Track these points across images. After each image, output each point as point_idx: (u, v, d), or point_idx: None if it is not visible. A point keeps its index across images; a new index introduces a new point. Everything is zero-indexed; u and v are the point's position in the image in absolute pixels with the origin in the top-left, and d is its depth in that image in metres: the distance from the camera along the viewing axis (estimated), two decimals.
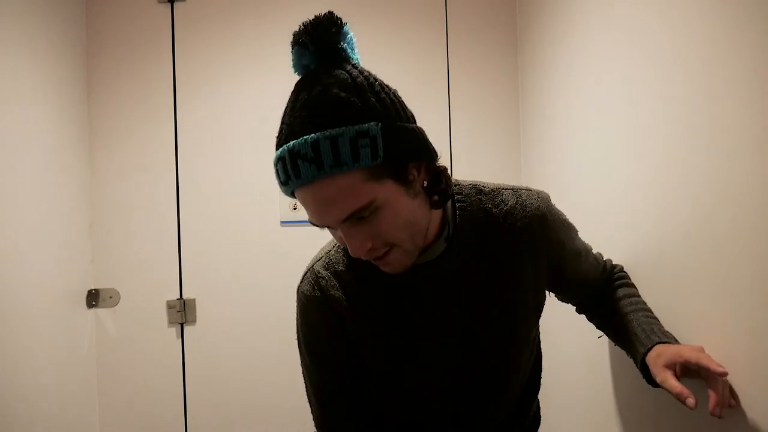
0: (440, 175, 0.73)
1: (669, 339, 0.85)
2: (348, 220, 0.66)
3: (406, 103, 0.74)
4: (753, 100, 0.74)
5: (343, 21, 0.71)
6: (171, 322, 1.75)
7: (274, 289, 1.76)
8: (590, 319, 1.05)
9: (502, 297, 0.82)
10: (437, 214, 0.78)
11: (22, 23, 1.40)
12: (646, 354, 0.84)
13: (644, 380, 0.86)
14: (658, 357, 0.81)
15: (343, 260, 0.82)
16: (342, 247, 0.83)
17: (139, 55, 1.76)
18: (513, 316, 0.84)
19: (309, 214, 0.69)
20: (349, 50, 0.72)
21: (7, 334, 1.26)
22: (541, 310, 0.90)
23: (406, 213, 0.69)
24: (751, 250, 0.75)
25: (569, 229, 0.91)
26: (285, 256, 1.77)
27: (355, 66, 0.70)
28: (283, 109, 0.70)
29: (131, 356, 1.73)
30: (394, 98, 0.70)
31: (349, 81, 0.66)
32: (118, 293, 1.74)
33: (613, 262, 1.07)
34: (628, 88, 1.10)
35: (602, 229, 1.25)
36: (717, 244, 0.82)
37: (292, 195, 0.69)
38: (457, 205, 0.81)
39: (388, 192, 0.66)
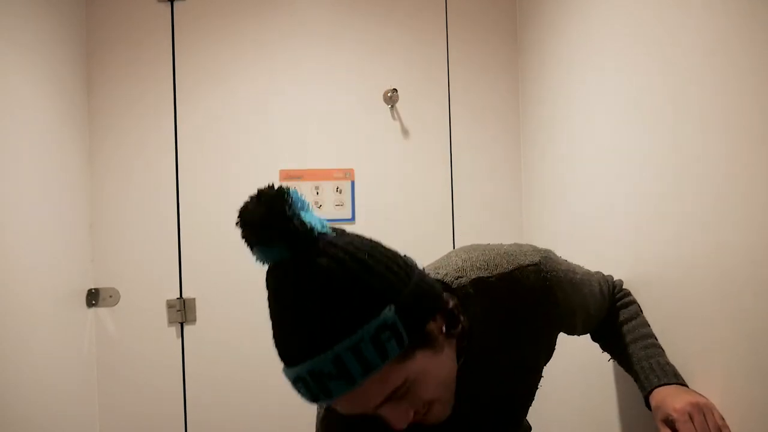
0: (455, 316, 0.69)
1: (668, 377, 0.87)
2: (385, 404, 0.62)
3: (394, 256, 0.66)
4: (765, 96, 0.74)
5: (286, 187, 0.60)
6: (171, 322, 1.75)
7: None
8: (594, 341, 1.07)
9: (521, 375, 0.84)
10: None
11: (22, 22, 1.40)
12: (647, 397, 0.87)
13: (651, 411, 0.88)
14: (656, 409, 0.84)
15: None
16: None
17: (138, 54, 1.76)
18: (531, 384, 0.87)
19: (342, 409, 0.63)
20: (315, 221, 0.62)
21: (7, 333, 1.26)
22: (551, 356, 0.92)
23: (441, 373, 0.66)
24: (756, 256, 0.75)
25: (578, 290, 0.89)
26: None
27: (334, 245, 0.60)
28: (268, 306, 0.62)
29: (131, 355, 1.73)
30: (391, 264, 0.63)
31: (339, 271, 0.58)
32: (118, 292, 1.74)
33: (614, 277, 1.07)
34: (630, 86, 1.10)
35: (603, 231, 1.25)
36: (722, 250, 0.82)
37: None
38: (468, 309, 0.76)
39: (419, 364, 0.62)
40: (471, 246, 0.87)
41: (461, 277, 0.78)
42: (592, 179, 1.29)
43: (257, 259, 0.63)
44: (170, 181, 1.76)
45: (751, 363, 0.76)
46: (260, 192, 0.61)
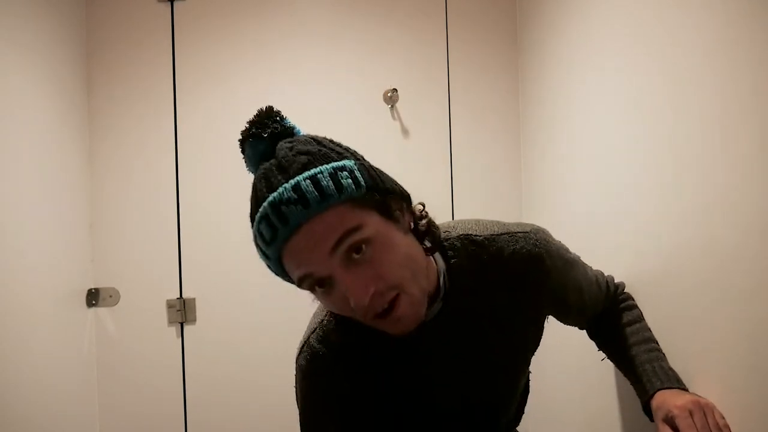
0: (425, 219, 0.73)
1: (671, 381, 0.86)
2: (340, 253, 0.62)
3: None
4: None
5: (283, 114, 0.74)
6: (171, 322, 1.75)
7: (274, 288, 1.75)
8: (591, 338, 1.06)
9: (504, 346, 0.82)
10: (432, 267, 0.75)
11: (22, 22, 1.40)
12: (648, 400, 0.86)
13: (647, 417, 0.88)
14: (657, 409, 0.83)
15: (339, 330, 0.78)
16: (335, 318, 0.79)
17: (138, 54, 1.76)
18: (514, 359, 0.86)
19: (299, 270, 0.64)
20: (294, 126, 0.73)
21: (7, 333, 1.26)
22: (540, 341, 0.90)
23: (401, 248, 0.67)
24: (756, 256, 0.75)
25: (570, 266, 0.88)
26: None
27: (308, 134, 0.73)
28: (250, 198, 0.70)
29: (131, 355, 1.73)
30: (354, 152, 0.73)
31: (311, 139, 0.69)
32: (118, 292, 1.74)
33: (615, 278, 1.06)
34: (630, 86, 1.10)
35: (603, 231, 1.25)
36: (722, 251, 0.82)
37: (279, 265, 0.66)
38: (451, 261, 0.77)
39: (377, 225, 0.64)
40: (468, 219, 0.88)
41: (449, 232, 0.80)
42: (592, 179, 1.29)
43: (247, 157, 0.75)
44: (170, 181, 1.76)
45: (751, 363, 0.76)
46: (266, 107, 0.75)
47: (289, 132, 0.72)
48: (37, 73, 1.46)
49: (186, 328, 1.76)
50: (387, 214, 0.67)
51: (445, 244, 0.79)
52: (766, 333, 0.72)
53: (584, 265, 0.95)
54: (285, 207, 0.61)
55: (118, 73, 1.75)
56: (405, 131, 1.84)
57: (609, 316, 1.01)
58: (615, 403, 1.18)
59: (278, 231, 0.62)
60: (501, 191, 1.87)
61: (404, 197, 0.73)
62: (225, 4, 1.79)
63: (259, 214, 0.64)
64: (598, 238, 1.25)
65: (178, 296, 1.76)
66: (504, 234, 0.81)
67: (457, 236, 0.80)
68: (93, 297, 1.71)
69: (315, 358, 0.78)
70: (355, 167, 0.65)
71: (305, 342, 0.81)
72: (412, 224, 0.72)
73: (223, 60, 1.78)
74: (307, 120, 1.82)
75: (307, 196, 0.60)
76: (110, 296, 1.73)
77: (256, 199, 0.66)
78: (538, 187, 1.71)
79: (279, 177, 0.64)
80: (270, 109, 0.74)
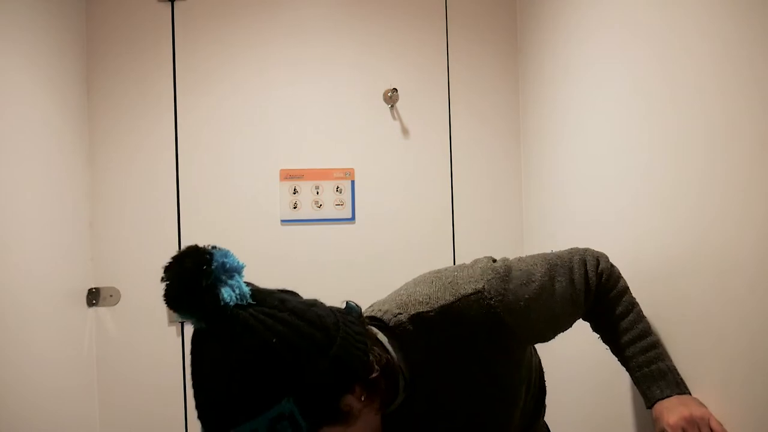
0: (378, 382, 0.67)
1: (670, 388, 0.86)
2: None
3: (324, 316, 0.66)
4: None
5: (209, 252, 0.61)
6: (171, 321, 1.75)
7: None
8: (585, 319, 1.03)
9: (481, 406, 0.80)
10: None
11: (22, 22, 1.40)
12: (650, 407, 0.87)
13: None
14: (655, 421, 0.84)
15: None
16: None
17: (139, 54, 1.76)
18: (499, 409, 0.83)
19: None
20: (229, 291, 0.61)
21: (7, 332, 1.26)
22: (532, 366, 0.89)
23: None
24: (756, 256, 0.75)
25: (536, 300, 0.82)
26: (285, 255, 1.77)
27: (243, 321, 0.60)
28: (191, 366, 0.64)
29: (131, 355, 1.73)
30: (298, 341, 0.62)
31: (244, 353, 0.59)
32: (119, 292, 1.74)
33: (595, 253, 0.97)
34: (630, 86, 1.10)
35: (603, 231, 1.25)
36: (722, 249, 0.82)
37: None
38: (405, 348, 0.75)
39: None
40: (427, 275, 0.84)
41: (401, 314, 0.77)
42: (592, 178, 1.29)
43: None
44: (170, 180, 1.76)
45: (752, 361, 0.76)
46: (180, 257, 0.61)
47: (220, 310, 0.60)
48: (37, 73, 1.46)
49: (186, 327, 1.76)
50: (336, 421, 0.63)
51: (398, 331, 0.76)
52: (767, 333, 0.73)
53: (554, 277, 0.87)
54: None
55: (118, 72, 1.75)
56: (405, 131, 1.84)
57: (600, 314, 0.95)
58: (621, 399, 1.18)
59: None
60: (501, 191, 1.87)
61: (356, 379, 0.65)
62: (225, 3, 1.79)
63: None
64: (598, 238, 1.25)
65: None
66: (456, 301, 0.77)
67: (408, 319, 0.76)
68: (93, 296, 1.71)
69: None
70: (295, 410, 0.59)
71: None
72: (363, 397, 0.66)
73: (223, 60, 1.79)
74: (308, 120, 1.83)
75: None
76: (110, 296, 1.73)
77: (197, 410, 0.63)
78: (538, 187, 1.71)
79: (212, 419, 0.60)
80: (190, 268, 0.60)
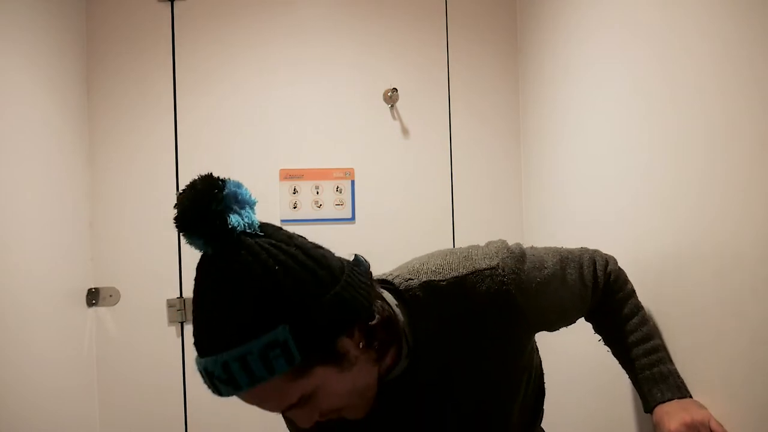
0: (380, 333, 0.66)
1: (671, 391, 0.86)
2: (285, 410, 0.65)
3: (329, 260, 0.66)
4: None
5: (222, 181, 0.61)
6: (171, 321, 1.75)
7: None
8: (587, 320, 1.04)
9: (486, 389, 0.80)
10: (384, 362, 0.71)
11: (22, 22, 1.40)
12: (650, 411, 0.87)
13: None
14: (656, 425, 0.84)
15: None
16: None
17: (139, 54, 1.76)
18: (499, 395, 0.82)
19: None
20: (237, 219, 0.62)
21: (7, 332, 1.26)
22: (533, 359, 0.88)
23: (345, 387, 0.65)
24: (756, 256, 0.75)
25: (547, 286, 0.82)
26: None
27: (249, 248, 0.61)
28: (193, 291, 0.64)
29: (131, 355, 1.73)
30: (301, 273, 0.61)
31: (246, 276, 0.59)
32: (118, 292, 1.74)
33: (605, 255, 0.98)
34: (630, 85, 1.10)
35: (603, 230, 1.25)
36: (721, 248, 0.82)
37: None
38: (413, 314, 0.74)
39: (319, 379, 0.62)
40: (441, 250, 0.83)
41: (412, 280, 0.76)
42: (592, 178, 1.29)
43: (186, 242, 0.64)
44: (170, 180, 1.76)
45: (752, 360, 0.76)
46: (193, 182, 0.62)
47: (227, 233, 0.60)
48: (37, 73, 1.46)
49: (186, 327, 1.76)
50: (331, 361, 0.62)
51: (407, 296, 0.75)
52: (767, 331, 0.73)
53: (565, 268, 0.87)
54: (217, 381, 0.60)
55: (118, 72, 1.75)
56: (405, 131, 1.84)
57: (605, 314, 0.96)
58: (622, 401, 1.18)
59: (216, 392, 0.62)
60: (501, 191, 1.87)
61: (357, 319, 0.64)
62: (225, 3, 1.79)
63: (196, 366, 0.63)
64: (598, 238, 1.25)
65: (179, 295, 1.76)
66: (469, 274, 0.75)
67: (419, 285, 0.75)
68: (93, 296, 1.71)
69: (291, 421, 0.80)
70: (289, 338, 0.58)
71: None
72: (362, 344, 0.65)
73: (223, 60, 1.79)
74: (308, 120, 1.83)
75: (237, 380, 0.58)
76: (110, 296, 1.73)
77: (194, 331, 0.63)
78: (538, 187, 1.71)
79: (211, 339, 0.60)
80: (202, 191, 0.61)
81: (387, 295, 0.74)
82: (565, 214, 1.48)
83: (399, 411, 0.77)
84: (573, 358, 1.39)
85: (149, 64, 1.76)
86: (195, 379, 1.87)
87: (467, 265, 0.77)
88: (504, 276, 0.76)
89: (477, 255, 0.79)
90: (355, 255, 0.72)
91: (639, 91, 1.05)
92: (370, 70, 1.82)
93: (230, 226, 0.60)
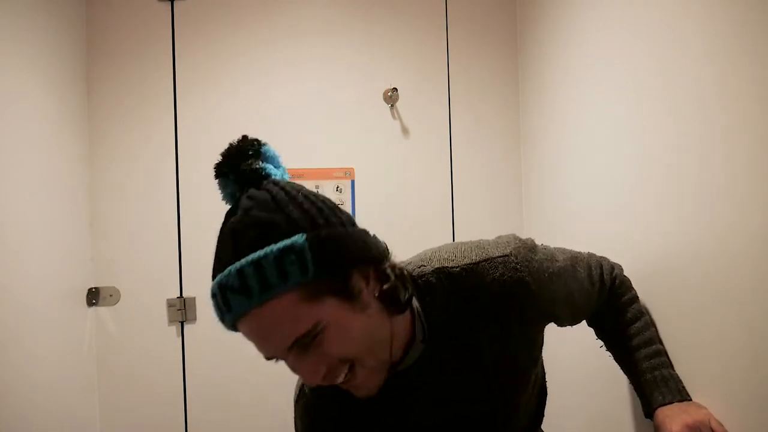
0: (393, 280, 0.67)
1: (672, 394, 0.87)
2: (293, 349, 0.62)
3: (340, 208, 0.69)
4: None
5: (261, 141, 0.69)
6: (171, 321, 1.75)
7: None
8: (589, 325, 1.04)
9: (497, 377, 0.80)
10: (404, 318, 0.72)
11: (22, 22, 1.40)
12: (651, 414, 0.87)
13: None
14: (656, 428, 0.84)
15: None
16: None
17: (139, 54, 1.76)
18: (511, 386, 0.83)
19: (255, 346, 0.65)
20: (271, 168, 0.69)
21: (7, 332, 1.26)
22: (539, 355, 0.88)
23: (357, 330, 0.63)
24: (756, 256, 0.75)
25: (558, 278, 0.82)
26: None
27: (276, 183, 0.66)
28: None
29: (131, 354, 1.73)
30: (322, 205, 0.65)
31: (269, 200, 0.63)
32: (119, 291, 1.74)
33: (611, 262, 1.01)
34: (630, 85, 1.10)
35: (603, 230, 1.25)
36: (722, 248, 0.82)
37: (235, 328, 0.65)
38: (426, 299, 0.74)
39: (331, 311, 0.61)
40: (453, 242, 0.84)
41: (424, 266, 0.77)
42: (593, 178, 1.29)
43: (220, 192, 0.70)
44: (170, 179, 1.76)
45: (751, 359, 0.76)
46: (239, 139, 0.69)
47: (259, 175, 0.67)
48: (37, 73, 1.46)
49: (186, 327, 1.76)
50: (344, 294, 0.62)
51: (420, 282, 0.75)
52: (767, 331, 0.73)
53: (573, 265, 0.88)
54: (230, 293, 0.60)
55: (118, 72, 1.75)
56: (405, 131, 1.84)
57: (609, 317, 0.97)
58: (621, 402, 1.18)
59: (224, 314, 0.62)
60: (501, 191, 1.87)
61: (372, 261, 0.66)
62: (225, 3, 1.79)
63: (211, 289, 0.64)
64: (597, 237, 1.25)
65: (179, 295, 1.76)
66: (482, 261, 0.76)
67: (432, 271, 0.76)
68: (93, 296, 1.71)
69: (308, 407, 0.81)
70: (306, 246, 0.59)
71: (300, 388, 0.84)
72: (377, 292, 0.66)
73: (223, 60, 1.79)
74: (308, 120, 1.83)
75: (249, 286, 0.58)
76: (110, 295, 1.73)
77: (214, 266, 0.65)
78: (538, 187, 1.71)
79: (229, 252, 0.62)
80: (242, 144, 0.68)
81: None
82: (565, 214, 1.48)
83: (412, 399, 0.77)
84: (573, 361, 1.39)
85: (149, 64, 1.76)
86: (195, 379, 1.88)
87: (480, 252, 0.78)
88: (517, 263, 0.76)
89: (489, 245, 0.80)
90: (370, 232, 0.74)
91: (639, 91, 1.05)
92: (370, 70, 1.82)
93: (264, 173, 0.66)
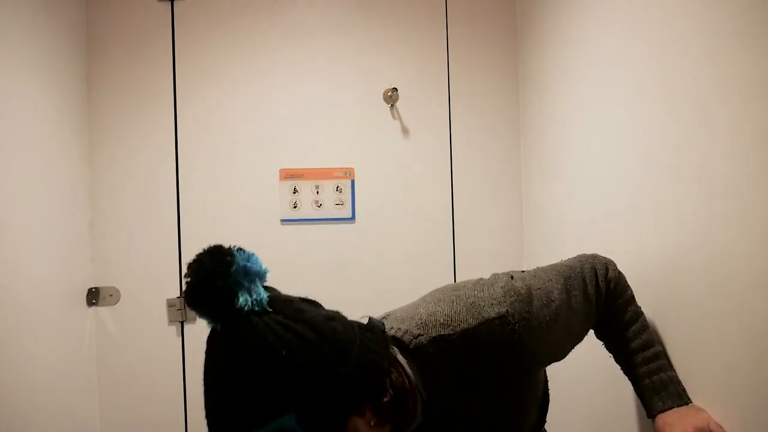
0: (388, 408, 0.66)
1: (672, 399, 0.87)
2: None
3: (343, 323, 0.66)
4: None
5: (231, 253, 0.61)
6: (171, 321, 1.75)
7: (274, 287, 1.76)
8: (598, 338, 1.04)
9: (499, 424, 0.81)
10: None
11: (22, 22, 1.40)
12: (651, 418, 0.88)
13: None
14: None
15: None
16: None
17: (139, 54, 1.76)
18: (513, 425, 0.84)
19: None
20: (248, 293, 0.61)
21: (7, 332, 1.26)
22: (543, 386, 0.90)
23: None
24: (756, 257, 0.75)
25: (555, 321, 0.82)
26: (285, 255, 1.77)
27: (255, 331, 0.60)
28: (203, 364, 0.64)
29: (131, 354, 1.73)
30: (312, 352, 0.61)
31: (252, 364, 0.59)
32: (119, 291, 1.74)
33: (603, 260, 0.97)
34: (630, 85, 1.10)
35: (603, 231, 1.25)
36: (722, 250, 0.82)
37: None
38: (426, 373, 0.75)
39: None
40: (446, 293, 0.83)
41: (421, 335, 0.76)
42: (593, 177, 1.29)
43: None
44: (170, 179, 1.76)
45: (752, 358, 0.76)
46: (201, 256, 0.61)
47: (238, 313, 0.60)
48: (37, 73, 1.46)
49: (186, 327, 1.76)
50: None
51: (417, 354, 0.75)
52: (766, 330, 0.73)
53: (569, 289, 0.86)
54: None
55: (118, 72, 1.75)
56: (405, 130, 1.84)
57: (606, 321, 0.95)
58: (622, 401, 1.18)
59: None
60: (501, 191, 1.87)
61: (370, 396, 0.64)
62: (225, 3, 1.79)
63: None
64: (597, 238, 1.25)
65: (179, 295, 1.76)
66: (480, 325, 0.76)
67: (429, 341, 0.75)
68: (93, 296, 1.71)
69: None
70: (297, 426, 0.58)
71: None
72: (373, 422, 0.64)
73: (223, 59, 1.79)
74: (308, 120, 1.83)
75: None
76: (110, 295, 1.73)
77: (205, 408, 0.64)
78: (538, 188, 1.71)
79: (216, 424, 0.61)
80: (215, 262, 0.60)
81: (398, 356, 0.74)
82: (564, 215, 1.48)
83: None
84: (574, 359, 1.39)
85: (149, 64, 1.76)
86: (195, 379, 1.88)
87: (476, 314, 0.77)
88: (515, 323, 0.76)
89: (484, 301, 0.79)
90: (369, 318, 0.72)
91: (639, 91, 1.05)
92: (370, 70, 1.82)
93: (237, 307, 0.60)
